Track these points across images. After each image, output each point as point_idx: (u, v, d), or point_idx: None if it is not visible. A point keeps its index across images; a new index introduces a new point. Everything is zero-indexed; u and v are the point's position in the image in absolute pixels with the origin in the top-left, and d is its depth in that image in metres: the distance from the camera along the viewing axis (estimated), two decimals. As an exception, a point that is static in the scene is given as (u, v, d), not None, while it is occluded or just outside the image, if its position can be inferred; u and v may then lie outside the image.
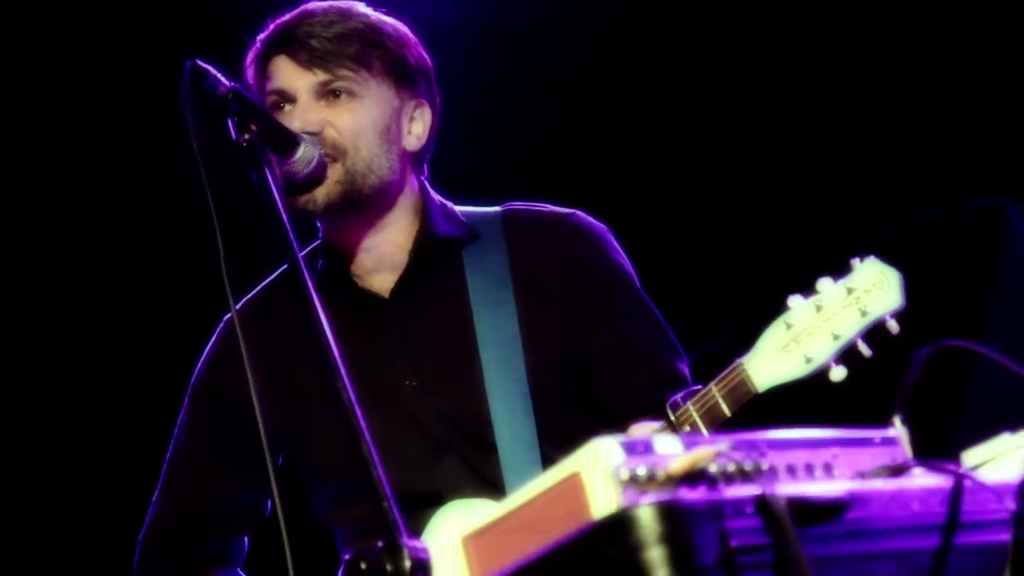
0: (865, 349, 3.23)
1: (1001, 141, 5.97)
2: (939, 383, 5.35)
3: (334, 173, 3.66)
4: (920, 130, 6.02)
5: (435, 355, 3.74)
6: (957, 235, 6.10)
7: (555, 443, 3.59)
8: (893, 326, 3.20)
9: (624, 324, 3.77)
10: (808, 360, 3.24)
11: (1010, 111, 5.94)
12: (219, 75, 3.42)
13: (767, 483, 2.38)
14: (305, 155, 3.60)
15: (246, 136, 3.41)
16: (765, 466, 2.43)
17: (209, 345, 3.91)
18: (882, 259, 3.25)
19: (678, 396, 3.44)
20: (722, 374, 3.35)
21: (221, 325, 3.89)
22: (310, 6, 3.79)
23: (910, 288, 3.24)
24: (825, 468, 2.52)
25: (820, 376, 3.26)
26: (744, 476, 2.39)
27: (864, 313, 3.20)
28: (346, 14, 3.76)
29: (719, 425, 3.34)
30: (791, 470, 2.47)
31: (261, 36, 3.78)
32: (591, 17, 5.99)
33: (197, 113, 3.33)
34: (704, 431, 3.35)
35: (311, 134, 3.64)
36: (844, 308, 3.21)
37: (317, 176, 3.64)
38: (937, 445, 2.75)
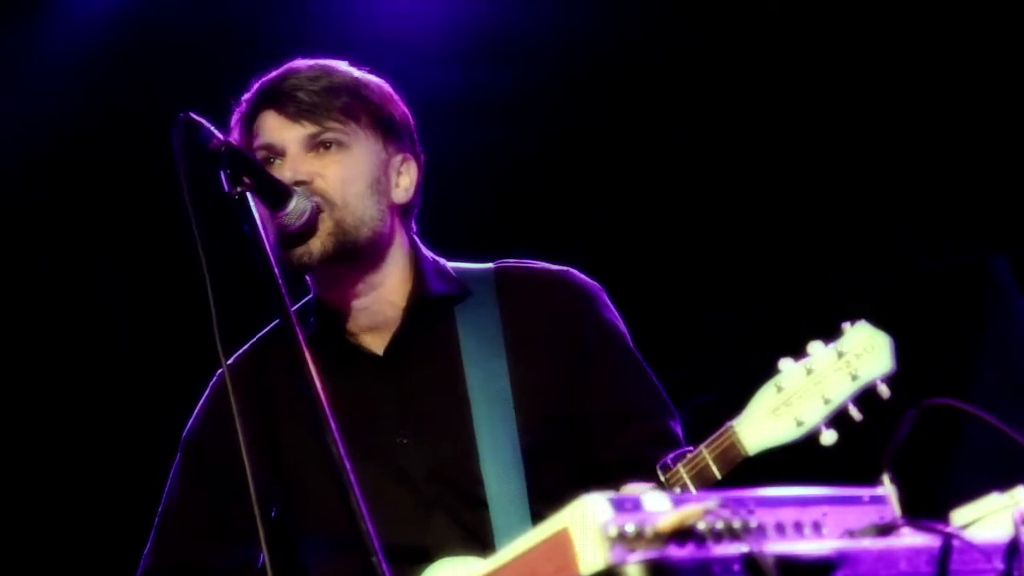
0: (856, 413, 3.23)
1: (989, 196, 6.00)
2: (928, 442, 5.36)
3: (325, 225, 3.66)
4: (909, 185, 6.04)
5: (427, 412, 3.73)
6: (944, 291, 6.11)
7: (545, 501, 3.59)
8: (884, 390, 3.21)
9: (616, 382, 3.76)
10: (799, 424, 3.24)
11: (996, 167, 5.96)
12: (212, 128, 3.43)
13: (755, 541, 2.38)
14: (297, 207, 3.60)
15: (238, 189, 3.42)
16: (754, 524, 2.43)
17: (202, 399, 3.90)
18: (872, 321, 3.25)
19: (668, 458, 3.43)
20: (712, 437, 3.35)
21: (214, 379, 3.88)
22: (294, 64, 3.81)
23: (898, 343, 3.24)
24: (814, 526, 2.52)
25: (810, 439, 3.26)
26: (732, 534, 2.39)
27: (855, 377, 3.21)
28: (330, 70, 3.78)
29: (709, 487, 3.33)
30: (780, 528, 2.47)
31: (246, 95, 3.79)
32: (569, 56, 6.04)
33: (190, 166, 3.33)
34: (693, 492, 3.33)
35: (301, 183, 3.64)
36: (835, 372, 3.22)
37: (309, 228, 3.64)
38: (926, 504, 2.75)
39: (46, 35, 5.75)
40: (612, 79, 6.08)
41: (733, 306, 6.20)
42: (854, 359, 3.20)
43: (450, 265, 3.87)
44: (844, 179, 6.07)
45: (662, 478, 3.39)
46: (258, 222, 3.39)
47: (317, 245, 3.65)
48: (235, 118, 3.78)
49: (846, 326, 3.23)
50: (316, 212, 3.64)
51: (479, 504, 3.64)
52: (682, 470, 3.37)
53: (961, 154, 5.98)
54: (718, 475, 3.32)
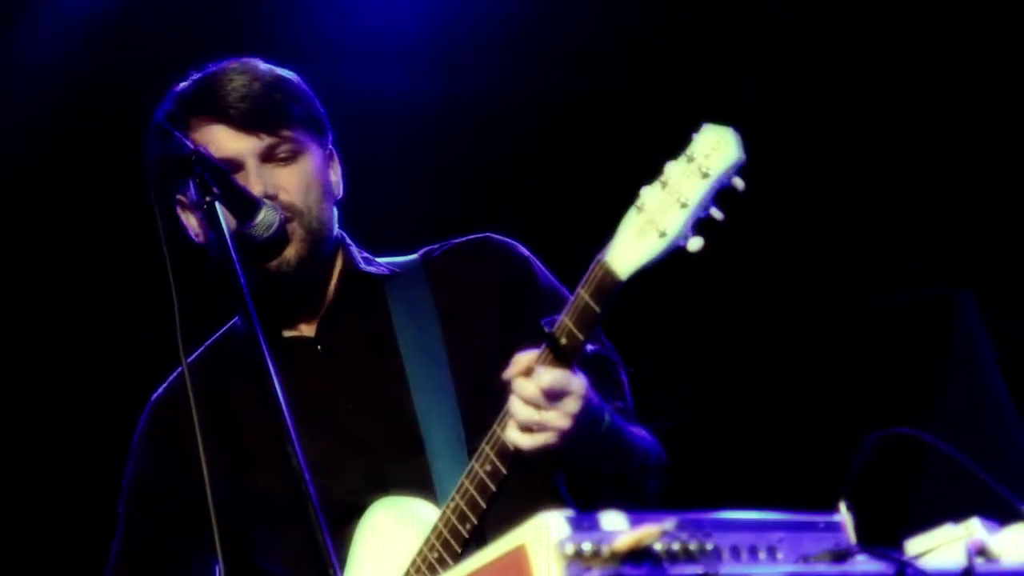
0: (717, 213, 3.19)
1: (955, 231, 6.04)
2: (885, 471, 5.39)
3: (297, 233, 3.70)
4: (875, 219, 6.07)
5: (366, 381, 3.77)
6: (910, 324, 6.14)
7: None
8: (739, 183, 3.17)
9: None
10: (662, 235, 3.19)
11: (963, 202, 6.00)
12: (184, 137, 3.43)
13: (711, 563, 2.39)
14: (266, 219, 3.62)
15: (207, 198, 3.44)
16: (710, 546, 2.44)
17: (135, 438, 3.87)
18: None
19: (555, 316, 3.35)
20: (585, 276, 3.27)
21: (144, 414, 3.86)
22: (222, 68, 3.75)
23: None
24: (769, 551, 2.53)
25: (679, 252, 3.19)
26: (688, 555, 2.41)
27: (705, 175, 3.16)
28: (259, 73, 3.74)
29: (592, 325, 3.26)
30: (735, 551, 2.48)
31: (172, 105, 3.72)
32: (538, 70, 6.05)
33: (159, 174, 3.35)
34: (580, 336, 3.26)
35: (271, 198, 3.66)
36: (687, 177, 3.17)
37: (280, 239, 3.66)
38: (881, 532, 2.77)
39: (25, 34, 5.75)
40: (602, 74, 6.08)
41: (698, 337, 6.20)
42: (703, 159, 3.15)
43: (380, 260, 3.90)
44: (810, 213, 6.09)
45: (551, 333, 3.28)
46: (226, 232, 3.42)
47: (292, 253, 3.69)
48: (160, 128, 3.59)
49: (694, 135, 3.20)
50: (284, 223, 3.66)
51: (420, 452, 3.64)
52: (565, 318, 3.28)
53: (928, 189, 6.01)
54: (597, 309, 3.24)
